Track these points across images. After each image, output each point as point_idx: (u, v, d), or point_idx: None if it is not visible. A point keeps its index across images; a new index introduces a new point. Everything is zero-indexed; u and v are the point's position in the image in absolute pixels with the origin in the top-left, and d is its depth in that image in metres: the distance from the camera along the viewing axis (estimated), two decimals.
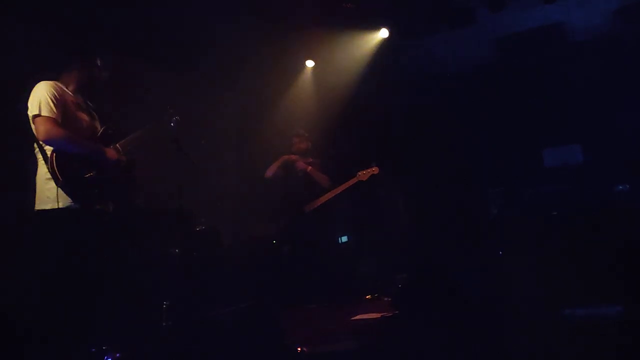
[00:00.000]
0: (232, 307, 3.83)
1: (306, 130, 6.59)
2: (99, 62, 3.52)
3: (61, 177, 3.12)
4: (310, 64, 7.73)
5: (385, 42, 7.32)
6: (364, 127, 7.35)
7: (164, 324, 3.85)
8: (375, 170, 6.13)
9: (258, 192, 6.92)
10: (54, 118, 3.16)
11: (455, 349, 3.22)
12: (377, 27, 7.24)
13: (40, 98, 3.18)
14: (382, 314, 4.50)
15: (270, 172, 6.34)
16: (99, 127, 3.54)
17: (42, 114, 3.14)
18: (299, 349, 3.46)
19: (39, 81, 3.28)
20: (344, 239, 7.51)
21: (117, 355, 3.25)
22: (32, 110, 3.19)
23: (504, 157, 6.91)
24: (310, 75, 7.80)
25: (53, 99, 3.20)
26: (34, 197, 3.27)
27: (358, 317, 4.71)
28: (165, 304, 3.90)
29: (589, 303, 3.83)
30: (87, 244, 3.25)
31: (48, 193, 3.18)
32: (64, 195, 3.15)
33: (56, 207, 3.15)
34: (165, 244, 4.65)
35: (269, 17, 6.43)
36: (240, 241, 6.72)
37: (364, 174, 6.15)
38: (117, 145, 3.51)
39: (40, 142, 3.22)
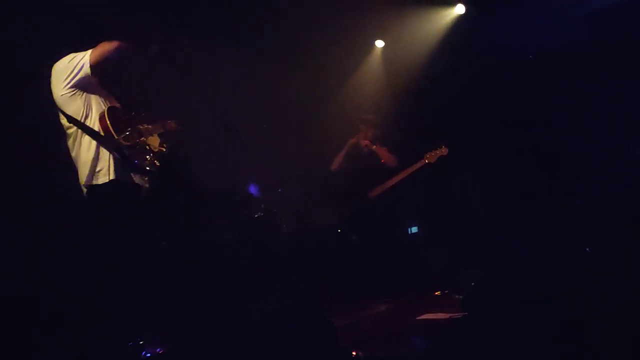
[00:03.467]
0: (282, 302, 3.54)
1: (373, 114, 6.21)
2: None
3: (117, 135, 3.12)
4: (380, 44, 7.29)
5: (461, 19, 6.79)
6: (437, 111, 6.87)
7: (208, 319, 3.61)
8: (444, 151, 5.70)
9: (321, 177, 6.64)
10: None
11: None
12: (452, 3, 6.74)
13: (73, 56, 3.16)
14: (450, 314, 4.08)
15: (335, 164, 6.07)
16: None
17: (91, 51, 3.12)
18: (354, 353, 3.12)
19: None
20: (414, 229, 7.12)
21: (158, 350, 3.03)
22: (70, 65, 3.13)
23: (594, 143, 6.25)
24: (379, 56, 7.36)
25: None
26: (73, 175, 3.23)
27: (424, 316, 4.30)
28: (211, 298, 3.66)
29: None
30: (140, 222, 3.21)
31: (99, 167, 3.19)
32: (115, 166, 3.16)
33: (107, 180, 3.16)
34: (220, 231, 4.44)
35: None
36: (302, 229, 6.43)
37: (431, 156, 5.74)
38: (148, 125, 3.46)
39: (81, 118, 3.13)
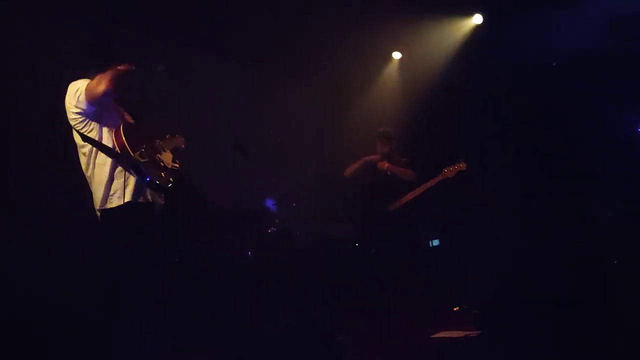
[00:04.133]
0: (290, 318, 3.49)
1: (390, 127, 6.13)
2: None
3: (133, 152, 3.09)
4: (397, 55, 7.22)
5: (478, 29, 6.68)
6: (455, 122, 6.76)
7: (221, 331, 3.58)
8: (462, 166, 5.58)
9: (337, 190, 6.57)
10: None
11: None
12: (469, 13, 6.64)
13: (79, 84, 3.13)
14: (466, 332, 3.96)
15: (349, 171, 5.99)
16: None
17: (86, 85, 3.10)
18: None
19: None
20: (435, 242, 6.99)
21: None
22: (75, 95, 3.11)
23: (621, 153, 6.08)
24: (396, 68, 7.29)
25: None
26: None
27: (439, 334, 4.18)
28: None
29: None
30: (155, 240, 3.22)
31: (113, 190, 3.16)
32: (130, 187, 3.15)
33: (122, 203, 3.13)
34: (230, 246, 4.41)
35: (353, 2, 6.02)
36: (318, 243, 6.36)
37: (450, 171, 5.62)
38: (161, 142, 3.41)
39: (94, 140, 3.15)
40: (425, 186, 5.77)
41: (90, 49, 3.32)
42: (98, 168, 3.18)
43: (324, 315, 3.68)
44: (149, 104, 4.33)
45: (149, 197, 3.25)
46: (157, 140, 3.39)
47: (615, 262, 4.95)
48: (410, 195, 5.80)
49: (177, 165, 3.41)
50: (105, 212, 3.16)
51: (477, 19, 6.64)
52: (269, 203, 5.72)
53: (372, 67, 7.30)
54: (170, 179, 3.28)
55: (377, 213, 5.91)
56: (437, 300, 5.47)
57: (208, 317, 3.87)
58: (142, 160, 3.10)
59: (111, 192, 3.15)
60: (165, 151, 3.39)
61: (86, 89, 3.06)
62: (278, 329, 3.60)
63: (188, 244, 4.20)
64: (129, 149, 3.09)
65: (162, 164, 3.28)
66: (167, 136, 3.51)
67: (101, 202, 3.16)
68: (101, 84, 3.01)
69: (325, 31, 6.26)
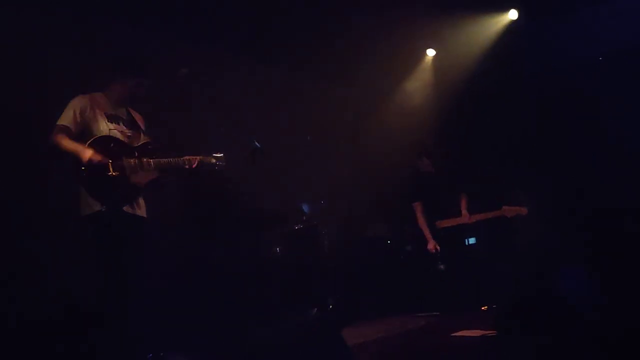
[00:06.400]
0: (303, 315, 3.58)
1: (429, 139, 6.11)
2: (142, 80, 3.57)
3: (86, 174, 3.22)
4: (431, 52, 7.19)
5: (514, 25, 6.56)
6: (491, 124, 6.65)
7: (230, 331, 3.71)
8: (523, 211, 5.55)
9: (371, 190, 6.61)
10: (65, 126, 3.33)
11: None
12: (505, 9, 6.53)
13: (66, 109, 3.38)
14: (483, 332, 3.95)
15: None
16: (141, 139, 3.62)
17: (58, 122, 3.34)
18: None
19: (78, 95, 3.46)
20: (472, 240, 6.92)
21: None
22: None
23: None
24: (430, 65, 7.25)
25: (78, 111, 3.38)
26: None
27: (460, 333, 4.19)
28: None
29: None
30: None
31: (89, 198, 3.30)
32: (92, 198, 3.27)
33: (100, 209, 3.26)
34: (258, 244, 4.55)
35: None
36: (349, 241, 6.42)
37: (510, 211, 5.57)
38: (150, 160, 3.50)
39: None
40: (479, 216, 5.78)
41: (120, 63, 3.53)
42: None
43: (341, 311, 3.74)
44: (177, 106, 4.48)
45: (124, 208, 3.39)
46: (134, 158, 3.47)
47: None
48: (464, 220, 5.81)
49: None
50: (88, 217, 3.34)
51: (513, 14, 6.52)
52: (302, 204, 5.80)
53: (406, 64, 7.26)
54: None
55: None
56: (469, 299, 5.46)
57: (230, 314, 3.99)
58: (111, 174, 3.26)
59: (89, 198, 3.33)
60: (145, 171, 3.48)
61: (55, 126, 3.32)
62: (298, 325, 3.69)
63: (208, 245, 4.32)
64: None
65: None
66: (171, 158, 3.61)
67: (82, 209, 3.36)
68: (54, 136, 3.28)
69: (360, 29, 6.28)
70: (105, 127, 3.44)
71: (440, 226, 5.89)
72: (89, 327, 2.97)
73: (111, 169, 3.27)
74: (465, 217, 5.79)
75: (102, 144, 3.34)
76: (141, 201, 3.53)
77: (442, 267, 5.86)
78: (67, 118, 3.34)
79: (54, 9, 4.33)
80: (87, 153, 3.22)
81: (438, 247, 5.81)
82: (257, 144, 4.03)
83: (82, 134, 3.35)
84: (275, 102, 6.26)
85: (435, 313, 5.41)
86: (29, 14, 4.15)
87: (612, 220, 5.73)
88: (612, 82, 6.18)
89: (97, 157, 3.24)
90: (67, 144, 3.26)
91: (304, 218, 5.36)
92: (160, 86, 3.72)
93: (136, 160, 3.42)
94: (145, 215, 3.53)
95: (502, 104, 6.49)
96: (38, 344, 2.89)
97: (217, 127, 4.19)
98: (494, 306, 5.29)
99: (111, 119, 3.51)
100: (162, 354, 3.13)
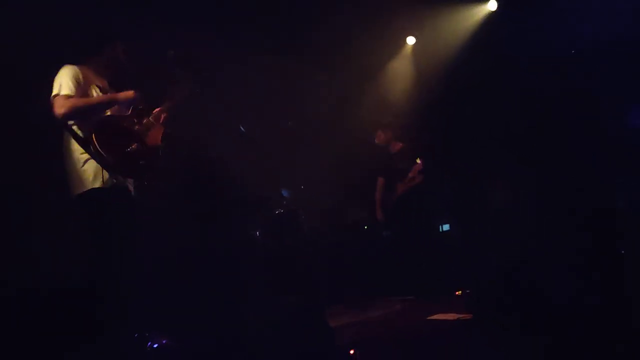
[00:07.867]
0: (285, 300, 3.66)
1: (394, 117, 6.24)
2: (121, 48, 3.52)
3: (107, 155, 3.11)
4: (411, 40, 7.25)
5: (494, 16, 6.67)
6: (469, 112, 6.76)
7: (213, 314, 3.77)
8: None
9: (350, 176, 6.69)
10: (71, 95, 3.19)
11: None
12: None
13: (62, 79, 3.23)
14: (459, 315, 4.09)
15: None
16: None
17: (61, 93, 3.19)
18: (352, 351, 3.20)
19: (64, 65, 3.33)
20: (445, 227, 7.08)
21: (163, 342, 3.20)
22: (53, 92, 3.23)
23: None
24: (410, 53, 7.32)
25: (74, 79, 3.25)
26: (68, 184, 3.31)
27: (434, 317, 4.33)
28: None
29: None
30: (133, 223, 3.30)
31: (87, 174, 3.21)
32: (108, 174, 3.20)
33: (99, 186, 3.19)
34: (237, 228, 4.59)
35: None
36: (327, 226, 6.51)
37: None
38: (150, 118, 3.50)
39: (73, 127, 3.23)
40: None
41: (84, 35, 3.49)
42: (73, 149, 3.27)
43: (319, 298, 3.82)
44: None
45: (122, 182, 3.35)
46: (137, 124, 3.44)
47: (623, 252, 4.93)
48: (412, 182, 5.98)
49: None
50: (79, 196, 3.26)
51: (492, 5, 6.62)
52: (282, 189, 5.85)
53: (386, 52, 7.32)
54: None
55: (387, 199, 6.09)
56: (444, 284, 5.60)
57: (203, 296, 4.03)
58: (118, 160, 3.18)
59: (86, 175, 3.25)
60: (152, 129, 3.48)
61: (54, 100, 3.19)
62: (275, 311, 3.74)
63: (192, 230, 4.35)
64: (103, 154, 3.15)
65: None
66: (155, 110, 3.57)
67: (76, 187, 3.28)
68: (62, 107, 3.14)
69: (339, 16, 6.30)
70: None
71: (397, 195, 6.06)
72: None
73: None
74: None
75: (107, 125, 3.29)
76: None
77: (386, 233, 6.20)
78: (67, 87, 3.20)
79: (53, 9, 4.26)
80: (124, 94, 3.29)
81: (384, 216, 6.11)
82: (241, 128, 4.06)
83: None
84: (258, 88, 6.27)
85: (410, 297, 5.56)
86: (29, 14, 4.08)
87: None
88: (594, 72, 6.29)
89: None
90: (88, 99, 3.24)
91: (284, 202, 5.42)
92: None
93: (142, 122, 3.43)
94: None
95: (482, 94, 6.60)
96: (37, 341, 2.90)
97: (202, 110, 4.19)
98: (468, 290, 5.45)
99: (102, 91, 3.43)
100: (147, 334, 3.18)
